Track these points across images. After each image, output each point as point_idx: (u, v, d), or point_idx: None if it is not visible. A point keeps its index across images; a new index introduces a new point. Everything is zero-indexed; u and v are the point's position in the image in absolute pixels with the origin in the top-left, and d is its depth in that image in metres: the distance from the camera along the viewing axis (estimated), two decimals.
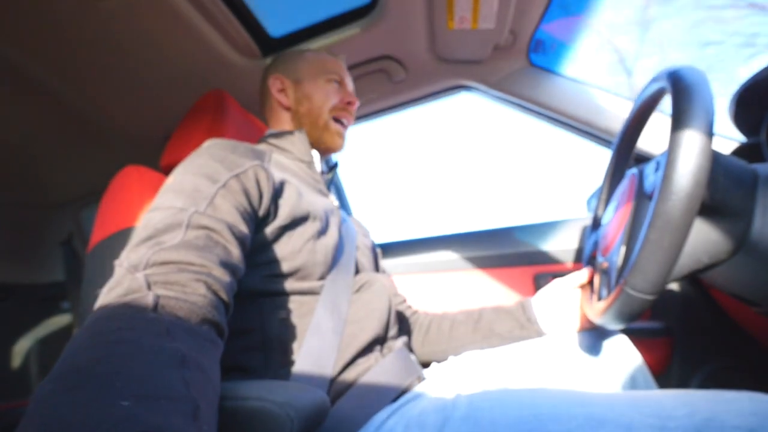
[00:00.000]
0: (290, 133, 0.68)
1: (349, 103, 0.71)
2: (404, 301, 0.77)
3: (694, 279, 0.79)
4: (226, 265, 0.39)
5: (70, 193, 1.38)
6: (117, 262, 0.37)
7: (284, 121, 0.71)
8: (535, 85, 0.98)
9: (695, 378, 0.78)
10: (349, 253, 0.61)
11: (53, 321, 1.56)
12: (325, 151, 0.72)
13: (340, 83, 0.72)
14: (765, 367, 0.73)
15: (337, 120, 0.70)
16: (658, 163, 0.47)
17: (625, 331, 0.62)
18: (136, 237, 0.39)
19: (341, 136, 0.71)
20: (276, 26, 0.92)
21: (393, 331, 0.57)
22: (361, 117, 1.16)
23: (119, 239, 0.59)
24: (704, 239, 0.44)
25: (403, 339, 0.59)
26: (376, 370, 0.50)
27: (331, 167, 0.75)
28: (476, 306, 0.72)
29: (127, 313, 0.30)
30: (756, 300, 0.50)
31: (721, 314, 0.76)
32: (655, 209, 0.38)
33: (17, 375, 1.43)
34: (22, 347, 1.47)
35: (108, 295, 0.33)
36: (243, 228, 0.45)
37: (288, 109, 0.71)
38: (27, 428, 0.22)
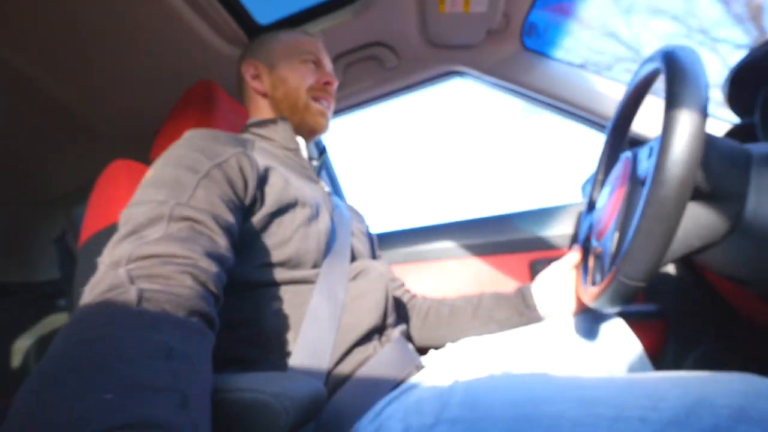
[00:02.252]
0: (272, 121, 0.66)
1: (327, 83, 0.68)
2: (402, 285, 0.77)
3: (687, 261, 0.80)
4: (212, 255, 0.39)
5: (62, 190, 1.36)
6: (99, 260, 0.36)
7: (263, 108, 0.69)
8: (529, 69, 0.96)
9: (689, 359, 0.80)
10: (344, 239, 0.60)
11: (51, 319, 1.55)
12: (310, 134, 0.70)
13: (317, 63, 0.70)
14: (757, 347, 0.74)
15: (316, 100, 0.68)
16: (651, 149, 0.47)
17: (619, 314, 0.62)
18: (117, 233, 0.38)
19: (324, 116, 0.69)
20: (264, 13, 0.90)
21: (391, 319, 0.57)
22: (354, 105, 1.14)
23: (109, 234, 0.58)
24: (696, 224, 0.44)
25: (401, 327, 0.59)
26: (375, 361, 0.50)
27: (320, 152, 0.74)
28: (474, 293, 0.72)
29: (109, 309, 0.30)
30: (749, 280, 0.50)
31: (714, 295, 0.77)
32: (647, 198, 0.38)
33: (14, 373, 1.43)
34: (18, 345, 1.47)
35: (90, 293, 0.32)
36: (228, 217, 0.44)
37: (265, 95, 0.69)
38: (11, 426, 0.22)
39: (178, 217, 0.39)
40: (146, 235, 0.37)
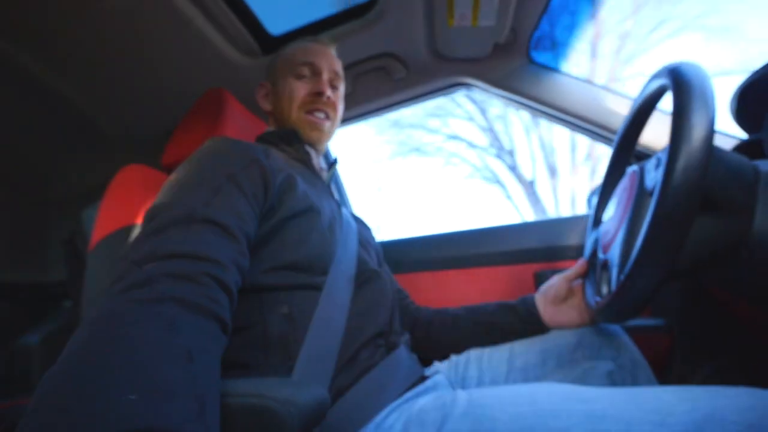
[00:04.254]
0: (285, 132, 0.68)
1: (318, 94, 0.67)
2: (407, 297, 0.77)
3: (694, 276, 0.79)
4: (230, 259, 0.39)
5: (72, 192, 1.38)
6: (122, 255, 0.37)
7: (272, 123, 0.73)
8: (536, 82, 0.97)
9: (695, 375, 0.78)
10: (351, 248, 0.61)
11: (59, 320, 1.56)
12: (313, 146, 0.71)
13: (314, 72, 0.69)
14: (765, 364, 0.73)
15: (309, 113, 0.68)
16: (658, 160, 0.47)
17: (625, 328, 0.62)
18: (141, 231, 0.39)
19: (316, 128, 0.68)
20: (276, 24, 0.92)
21: (395, 327, 0.57)
22: (361, 115, 1.15)
23: (120, 237, 0.60)
24: (703, 237, 0.44)
25: (405, 337, 0.59)
26: (379, 369, 0.50)
27: (331, 164, 0.75)
28: (477, 303, 0.72)
29: (133, 306, 0.30)
30: (756, 297, 0.50)
31: (721, 311, 0.76)
32: (655, 207, 0.38)
33: (20, 374, 1.44)
34: (22, 344, 1.47)
35: (114, 287, 0.33)
36: (246, 223, 0.45)
37: (270, 113, 0.72)
38: (33, 419, 0.22)
39: (200, 220, 0.40)
40: (169, 236, 0.37)
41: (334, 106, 0.70)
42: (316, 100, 0.67)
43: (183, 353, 0.28)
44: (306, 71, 0.68)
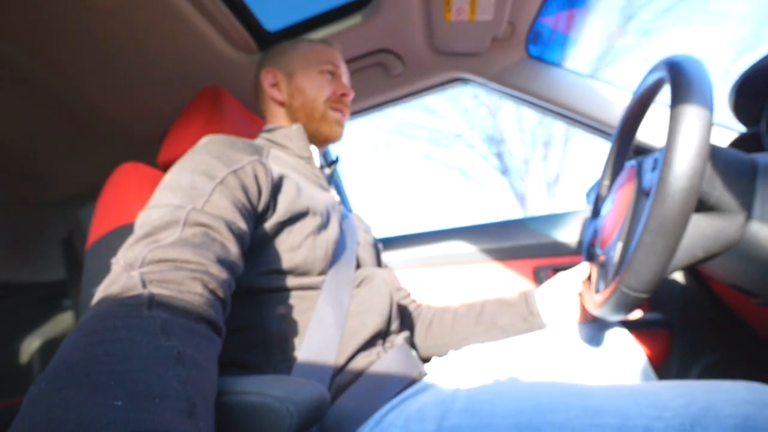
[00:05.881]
0: (287, 128, 0.67)
1: (344, 95, 0.69)
2: (408, 295, 0.77)
3: (693, 270, 0.79)
4: (224, 262, 0.39)
5: (70, 191, 1.37)
6: (113, 260, 0.36)
7: (280, 116, 0.70)
8: (534, 76, 0.97)
9: (694, 369, 0.79)
10: (350, 248, 0.61)
11: (58, 320, 1.56)
12: (324, 143, 0.71)
13: (334, 74, 0.70)
14: (764, 358, 0.73)
15: (333, 110, 0.69)
16: (655, 161, 0.47)
17: (624, 323, 0.62)
18: (132, 235, 0.39)
19: (340, 124, 0.70)
20: (272, 20, 0.92)
21: (395, 325, 0.57)
22: (359, 111, 1.15)
23: (117, 236, 0.59)
24: (700, 235, 0.44)
25: (405, 334, 0.59)
26: (378, 366, 0.50)
27: (331, 162, 0.75)
28: (477, 299, 0.72)
29: (122, 311, 0.30)
30: (755, 291, 0.50)
31: (720, 305, 0.76)
32: (650, 212, 0.38)
33: (20, 372, 1.44)
34: (26, 346, 1.48)
35: (103, 293, 0.33)
36: (241, 225, 0.45)
37: (282, 104, 0.70)
38: (19, 427, 0.22)
39: (192, 223, 0.40)
40: (161, 239, 0.37)
41: (349, 109, 0.72)
42: (341, 99, 0.69)
43: (172, 356, 0.28)
44: (329, 71, 0.70)
